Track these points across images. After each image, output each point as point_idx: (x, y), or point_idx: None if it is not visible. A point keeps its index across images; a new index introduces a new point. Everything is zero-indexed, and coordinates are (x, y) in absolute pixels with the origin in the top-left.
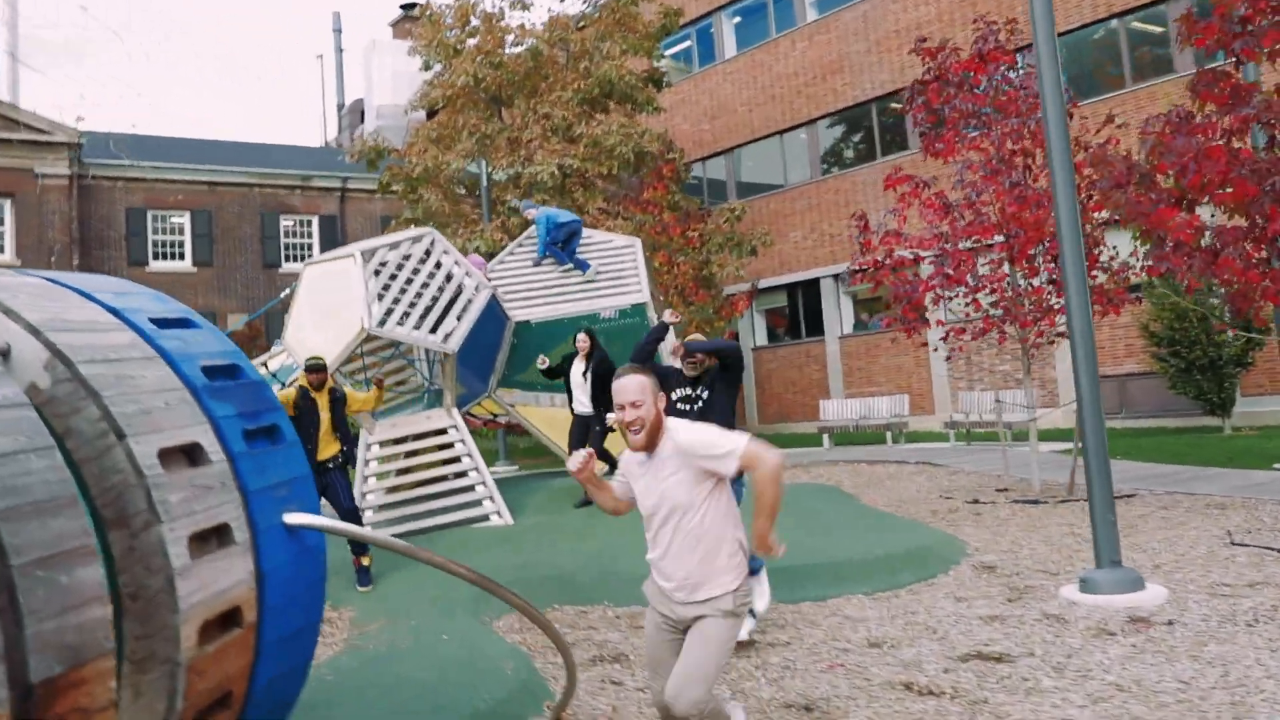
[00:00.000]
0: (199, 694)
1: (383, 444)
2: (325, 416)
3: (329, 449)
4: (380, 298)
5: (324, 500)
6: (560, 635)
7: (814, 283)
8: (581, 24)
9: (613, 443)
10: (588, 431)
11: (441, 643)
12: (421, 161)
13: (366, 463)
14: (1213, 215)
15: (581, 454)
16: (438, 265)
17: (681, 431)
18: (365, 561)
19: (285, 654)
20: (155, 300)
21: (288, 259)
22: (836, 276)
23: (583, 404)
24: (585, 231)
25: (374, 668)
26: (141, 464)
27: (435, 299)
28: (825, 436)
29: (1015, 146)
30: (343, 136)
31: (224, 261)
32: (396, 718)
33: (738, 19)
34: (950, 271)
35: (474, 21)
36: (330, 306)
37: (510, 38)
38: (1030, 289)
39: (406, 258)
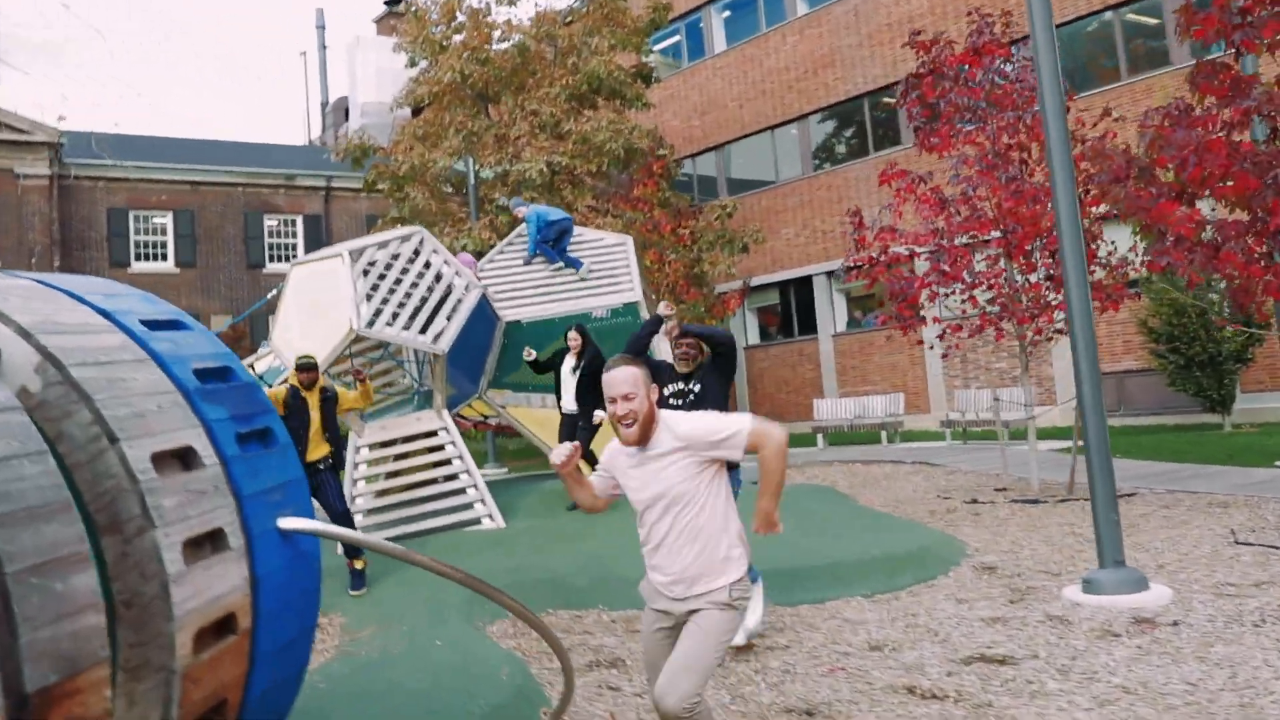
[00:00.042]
0: (194, 703)
1: (372, 446)
2: (315, 416)
3: (319, 450)
4: (369, 298)
5: (315, 503)
6: (557, 640)
7: (806, 280)
8: (569, 19)
9: (599, 441)
10: (576, 431)
11: (435, 648)
12: (407, 159)
13: (355, 465)
14: (1213, 209)
15: (567, 446)
16: (427, 264)
17: (682, 422)
18: (359, 565)
19: (280, 661)
20: (145, 302)
21: (272, 259)
22: (829, 274)
23: (569, 402)
24: (575, 230)
25: (366, 674)
26: (135, 468)
27: (425, 299)
28: (819, 436)
29: (1011, 141)
30: (327, 135)
31: (207, 262)
32: None
33: (727, 13)
34: (946, 268)
35: (460, 17)
36: (318, 307)
37: (497, 33)
38: (1028, 285)
39: (395, 257)
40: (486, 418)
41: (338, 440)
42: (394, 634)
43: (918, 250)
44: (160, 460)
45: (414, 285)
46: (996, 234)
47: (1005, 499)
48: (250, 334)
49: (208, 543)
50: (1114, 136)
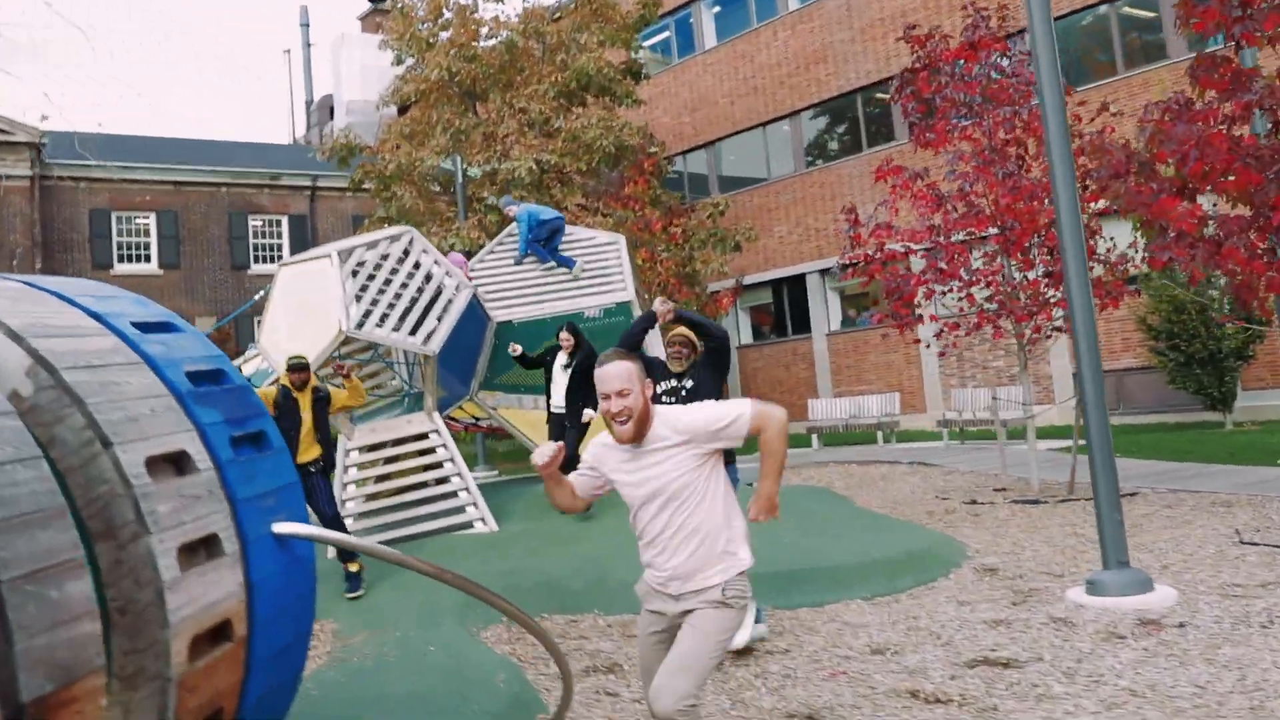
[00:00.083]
0: (190, 711)
1: (362, 449)
2: (307, 417)
3: (310, 452)
4: (358, 298)
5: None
6: (556, 645)
7: (800, 278)
8: (557, 15)
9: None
10: (565, 430)
11: (429, 654)
12: (394, 158)
13: (345, 469)
14: (1214, 204)
15: (551, 446)
16: (417, 265)
17: (682, 415)
18: (354, 568)
19: (275, 668)
20: (136, 304)
21: (257, 260)
22: (823, 272)
23: (558, 399)
24: (567, 229)
25: (360, 681)
26: (129, 473)
27: (415, 299)
28: (814, 437)
29: (1008, 136)
30: (312, 133)
31: (191, 263)
32: None
33: (717, 8)
34: (943, 265)
35: (447, 14)
36: (307, 308)
37: (484, 30)
38: (1026, 282)
39: (385, 257)
40: (478, 420)
41: (329, 442)
42: (387, 639)
43: (913, 247)
44: (154, 465)
45: (404, 286)
46: (994, 230)
47: (1005, 499)
48: (235, 337)
49: (202, 548)
50: (1112, 131)
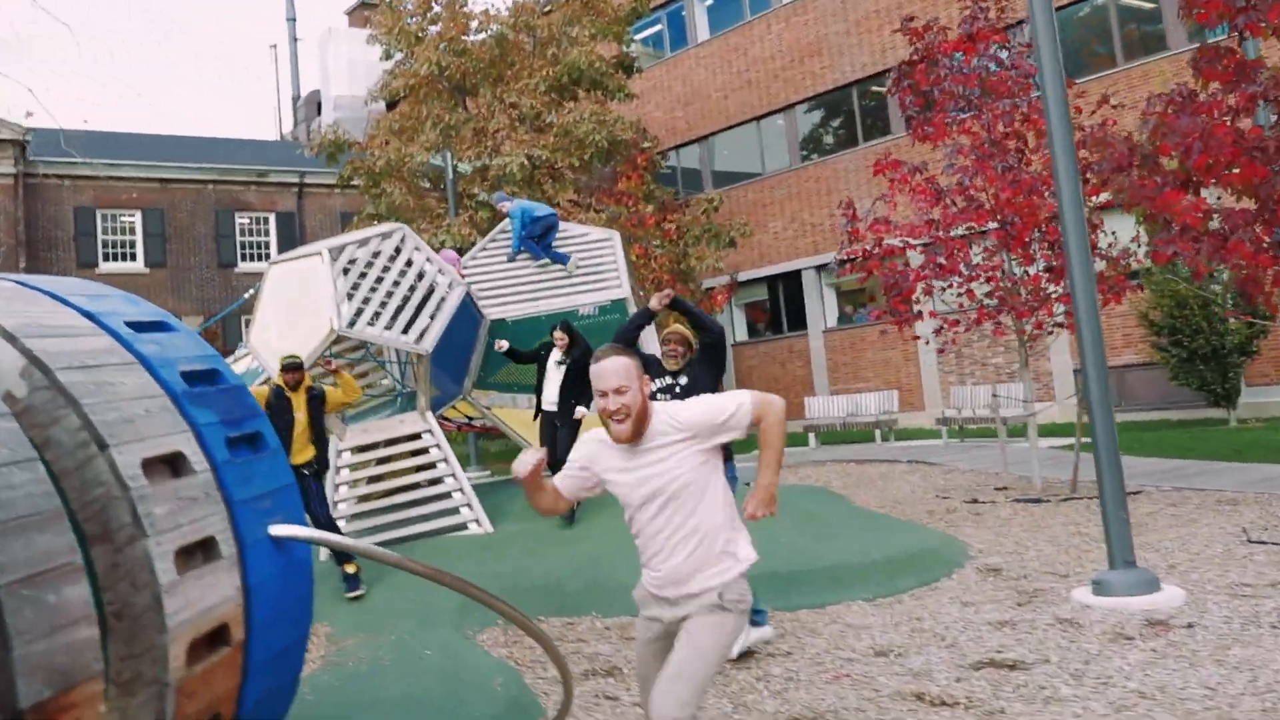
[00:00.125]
0: (188, 716)
1: (354, 450)
2: (301, 417)
3: (304, 454)
4: (350, 297)
5: None
6: (557, 649)
7: (795, 275)
8: (548, 8)
9: None
10: (556, 430)
11: (424, 657)
12: (383, 154)
13: (338, 470)
14: (1219, 198)
15: (532, 457)
16: (409, 262)
17: (681, 410)
18: (351, 569)
19: (273, 672)
20: (129, 303)
21: (244, 258)
22: (819, 268)
23: (550, 397)
24: (560, 225)
25: (355, 685)
26: (125, 475)
27: (407, 297)
28: (811, 435)
29: (1007, 129)
30: (299, 129)
31: (177, 262)
32: None
33: (709, 1)
34: (943, 260)
35: (436, 8)
36: (297, 307)
37: (474, 24)
38: (1026, 277)
39: (376, 255)
40: (471, 419)
41: (324, 443)
42: (382, 642)
43: (912, 242)
44: (150, 466)
45: (396, 284)
46: (994, 225)
47: (1006, 498)
48: (223, 336)
49: (199, 551)
50: (1114, 124)
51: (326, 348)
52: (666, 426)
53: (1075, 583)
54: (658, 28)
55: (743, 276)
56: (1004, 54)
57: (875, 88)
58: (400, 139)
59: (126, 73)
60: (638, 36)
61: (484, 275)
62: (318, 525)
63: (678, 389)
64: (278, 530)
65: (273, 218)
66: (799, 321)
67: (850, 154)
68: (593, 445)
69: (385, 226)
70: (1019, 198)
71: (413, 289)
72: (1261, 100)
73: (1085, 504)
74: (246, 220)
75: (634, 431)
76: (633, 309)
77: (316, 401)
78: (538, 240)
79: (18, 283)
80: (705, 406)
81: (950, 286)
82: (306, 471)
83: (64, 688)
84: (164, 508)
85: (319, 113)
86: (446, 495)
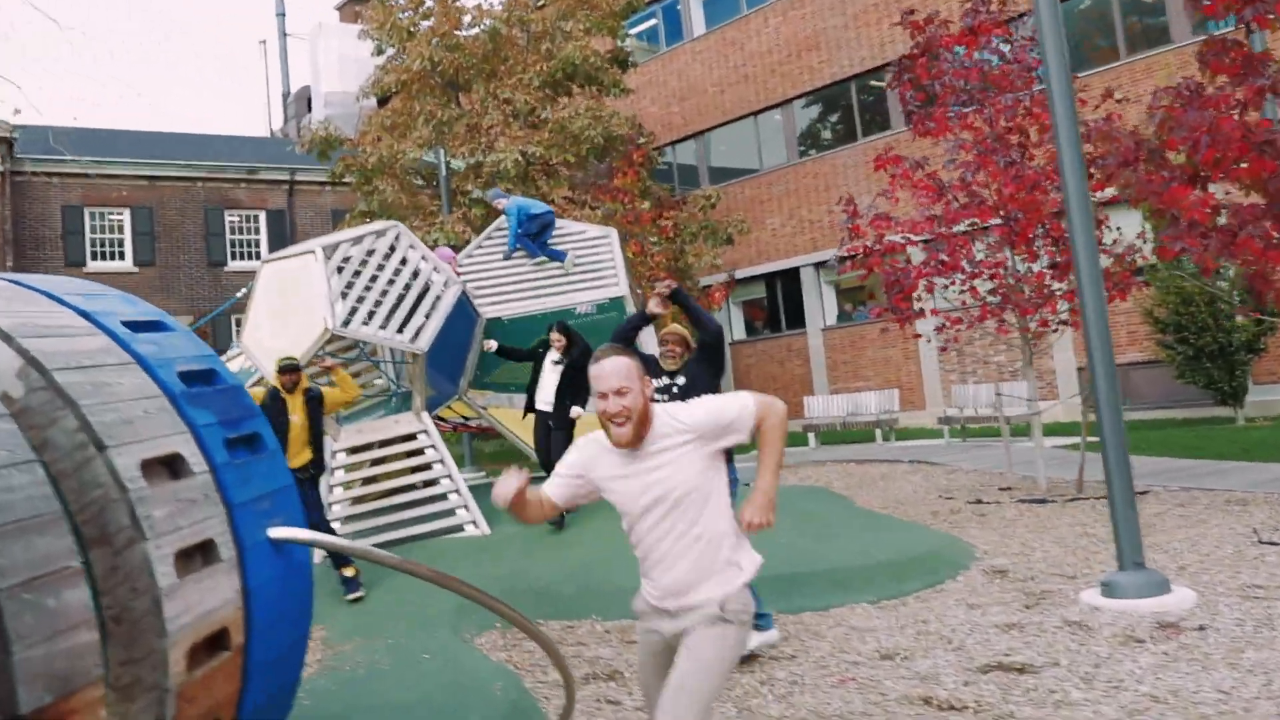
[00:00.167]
0: None
1: (349, 451)
2: (298, 419)
3: (300, 457)
4: (344, 295)
5: None
6: (559, 653)
7: (794, 272)
8: (541, 3)
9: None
10: (550, 432)
11: (423, 661)
12: (375, 151)
13: (332, 471)
14: (1227, 193)
15: (513, 482)
16: (404, 260)
17: (682, 411)
18: (349, 572)
19: (273, 675)
20: (126, 303)
21: (234, 256)
22: (818, 265)
23: (545, 398)
24: (557, 223)
25: (352, 690)
26: (123, 477)
27: (402, 296)
28: (811, 435)
29: (1009, 123)
30: (289, 126)
31: (167, 260)
32: None
33: None
34: (945, 257)
35: (428, 2)
36: (290, 306)
37: (467, 18)
38: (1030, 274)
39: (370, 253)
40: (467, 419)
41: (321, 445)
42: (379, 646)
43: (914, 239)
44: (149, 468)
45: (390, 282)
46: (997, 221)
47: (1011, 498)
48: (214, 336)
49: (199, 554)
50: (1119, 118)
51: (320, 347)
52: (668, 429)
53: (1083, 584)
54: (653, 22)
55: (740, 274)
56: (1006, 47)
57: (874, 82)
58: (392, 135)
59: (126, 73)
60: (632, 31)
61: (480, 273)
62: (314, 529)
63: (675, 389)
64: (277, 533)
65: (263, 215)
66: (798, 319)
67: (849, 149)
68: (590, 449)
69: (380, 224)
70: (1022, 193)
71: (408, 287)
72: (1270, 93)
73: (1091, 504)
74: (236, 218)
75: (635, 435)
76: (630, 307)
77: (314, 403)
78: (534, 238)
79: (13, 282)
80: (708, 407)
81: (952, 283)
82: (303, 476)
83: (65, 693)
84: (163, 510)
85: (309, 109)
86: (442, 496)
